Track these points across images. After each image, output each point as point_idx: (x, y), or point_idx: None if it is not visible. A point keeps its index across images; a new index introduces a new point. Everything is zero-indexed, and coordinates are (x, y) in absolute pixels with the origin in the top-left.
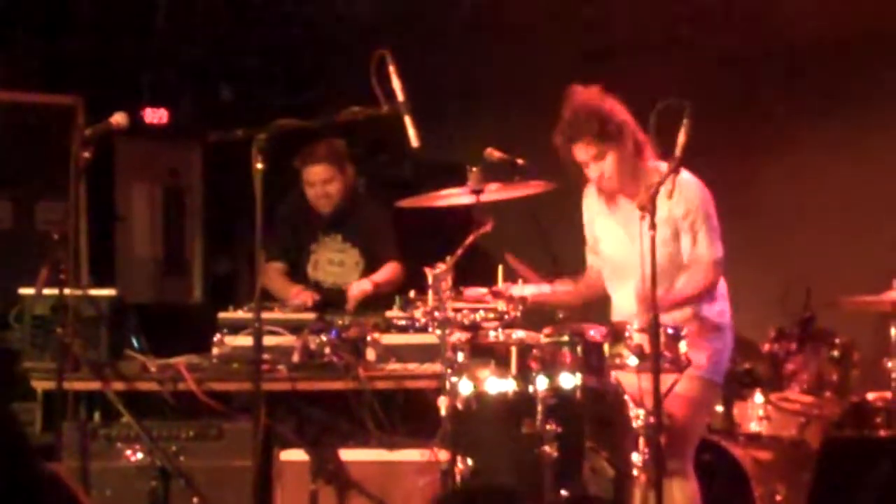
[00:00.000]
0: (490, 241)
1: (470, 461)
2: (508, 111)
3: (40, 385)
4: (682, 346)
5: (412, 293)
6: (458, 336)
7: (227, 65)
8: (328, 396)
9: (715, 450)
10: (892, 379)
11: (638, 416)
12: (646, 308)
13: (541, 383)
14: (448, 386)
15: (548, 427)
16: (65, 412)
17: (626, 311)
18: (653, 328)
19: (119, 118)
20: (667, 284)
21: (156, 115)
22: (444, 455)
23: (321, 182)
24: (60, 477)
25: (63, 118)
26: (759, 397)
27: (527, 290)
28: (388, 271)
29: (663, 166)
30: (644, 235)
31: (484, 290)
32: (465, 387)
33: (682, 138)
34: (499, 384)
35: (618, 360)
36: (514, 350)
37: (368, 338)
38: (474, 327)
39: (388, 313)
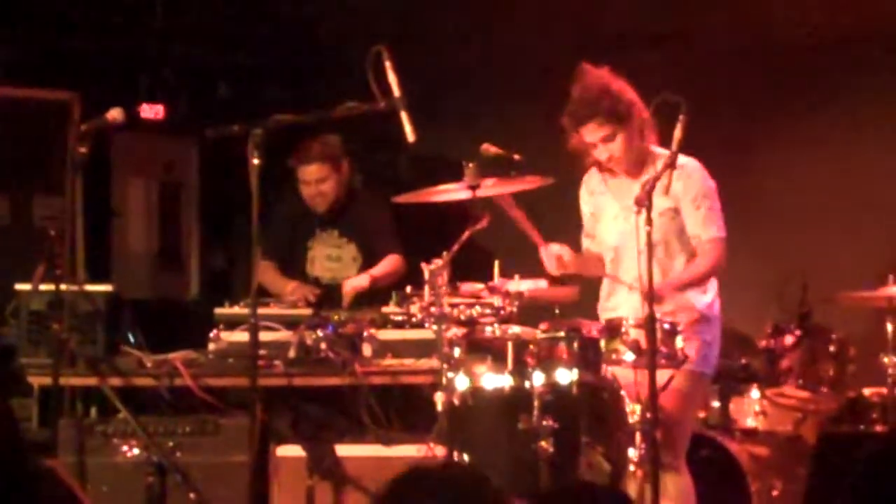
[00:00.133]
0: (486, 237)
1: (466, 456)
2: (505, 106)
3: (37, 381)
4: (679, 342)
5: (409, 289)
6: (455, 331)
7: (224, 61)
8: (324, 392)
9: (711, 445)
10: (888, 374)
11: (634, 412)
12: (651, 296)
13: (537, 379)
14: (444, 381)
15: (544, 422)
16: (61, 408)
17: (622, 302)
18: (649, 324)
19: (115, 114)
20: (675, 260)
21: (152, 111)
22: (440, 450)
23: (315, 181)
24: (57, 473)
25: (60, 114)
26: (755, 393)
27: (523, 285)
28: (388, 264)
29: (666, 153)
30: (640, 229)
31: (480, 286)
32: (461, 382)
33: (678, 134)
34: (495, 380)
35: (614, 356)
36: (510, 345)
37: (365, 333)
38: (471, 323)
39: (385, 309)
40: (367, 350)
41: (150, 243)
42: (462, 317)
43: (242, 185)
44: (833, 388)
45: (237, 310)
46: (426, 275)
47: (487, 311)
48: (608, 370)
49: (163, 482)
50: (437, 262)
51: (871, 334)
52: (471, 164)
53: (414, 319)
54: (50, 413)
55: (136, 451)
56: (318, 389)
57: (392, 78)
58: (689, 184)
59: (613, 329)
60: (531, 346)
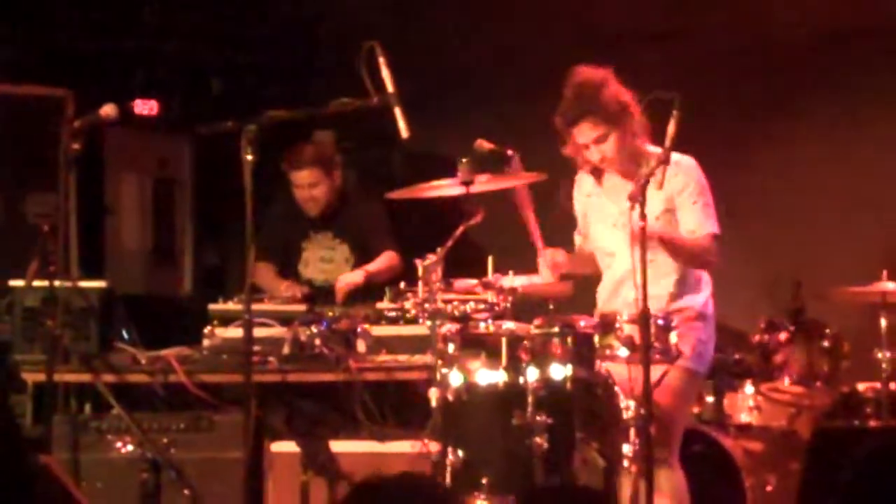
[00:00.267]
0: (480, 233)
1: (460, 452)
2: (499, 102)
3: (31, 377)
4: (673, 337)
5: (402, 285)
6: (449, 327)
7: (218, 57)
8: (319, 388)
9: (705, 441)
10: (882, 369)
11: (628, 408)
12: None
13: (531, 374)
14: (438, 377)
15: (538, 418)
16: (55, 404)
17: (609, 295)
18: (643, 319)
19: (108, 110)
20: (664, 266)
21: (146, 107)
22: (434, 446)
23: (307, 186)
24: (52, 469)
25: (53, 110)
26: (749, 388)
27: (517, 280)
28: (383, 260)
29: (659, 151)
30: (634, 222)
31: (474, 282)
32: (455, 378)
33: (671, 130)
34: (489, 375)
35: (608, 351)
36: (504, 341)
37: (359, 329)
38: (465, 318)
39: (379, 305)
40: (361, 346)
41: (143, 240)
42: (456, 312)
43: (236, 182)
44: (827, 384)
45: (231, 306)
46: (420, 271)
47: (481, 306)
48: (602, 366)
49: (157, 478)
50: (431, 258)
51: (864, 329)
52: (464, 160)
53: (408, 315)
54: (44, 409)
55: (130, 447)
56: (312, 385)
57: (385, 74)
58: (684, 180)
59: (607, 325)
60: (525, 342)
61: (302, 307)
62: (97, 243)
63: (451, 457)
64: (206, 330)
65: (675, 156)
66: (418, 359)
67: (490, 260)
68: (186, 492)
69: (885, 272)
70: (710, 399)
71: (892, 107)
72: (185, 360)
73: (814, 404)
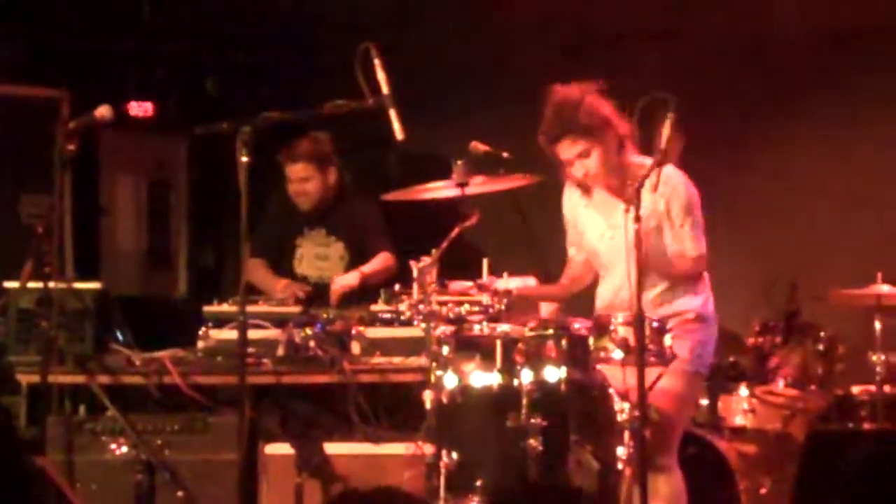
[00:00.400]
0: (475, 235)
1: (455, 454)
2: (495, 104)
3: (25, 378)
4: (667, 340)
5: (397, 287)
6: (443, 329)
7: (214, 58)
8: (313, 390)
9: (700, 443)
10: (876, 372)
11: (623, 410)
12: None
13: (526, 377)
14: (433, 379)
15: (532, 420)
16: (49, 406)
17: (618, 296)
18: (637, 322)
19: (104, 111)
20: (653, 277)
21: (141, 109)
22: (428, 448)
23: (299, 180)
24: (48, 472)
25: (48, 111)
26: (743, 391)
27: (511, 283)
28: (379, 262)
29: (647, 161)
30: (629, 228)
31: (469, 284)
32: (449, 380)
33: (666, 132)
34: (484, 378)
35: (602, 354)
36: (499, 343)
37: (353, 331)
38: (459, 321)
39: (373, 307)
40: (355, 348)
41: (138, 241)
42: (451, 315)
43: (231, 183)
44: (822, 386)
45: (226, 307)
46: (415, 272)
47: (476, 308)
48: (597, 368)
49: (151, 480)
50: (426, 260)
51: (859, 332)
52: (459, 162)
53: (402, 317)
54: (38, 411)
55: (124, 448)
56: (306, 387)
57: (380, 75)
58: (672, 198)
59: (602, 327)
60: (520, 344)
61: (296, 309)
62: (92, 244)
63: (445, 459)
64: (201, 331)
65: (666, 171)
66: (413, 361)
67: (485, 262)
68: (180, 493)
69: (879, 275)
70: (704, 402)
71: (891, 108)
72: (180, 361)
73: (808, 407)
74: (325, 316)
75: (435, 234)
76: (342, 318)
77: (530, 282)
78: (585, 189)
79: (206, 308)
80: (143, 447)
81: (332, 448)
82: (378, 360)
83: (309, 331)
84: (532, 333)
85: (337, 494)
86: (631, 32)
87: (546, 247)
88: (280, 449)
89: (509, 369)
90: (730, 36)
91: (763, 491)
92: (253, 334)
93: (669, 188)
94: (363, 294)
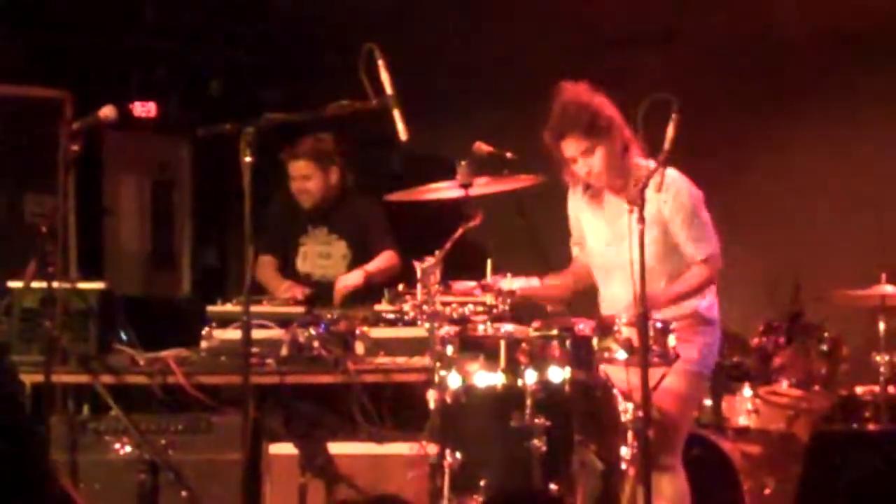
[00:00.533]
0: (479, 235)
1: (458, 455)
2: (498, 105)
3: (29, 378)
4: (671, 340)
5: (401, 287)
6: (447, 330)
7: (217, 58)
8: (317, 390)
9: (704, 443)
10: (880, 373)
11: (626, 410)
12: (638, 304)
13: (529, 377)
14: (437, 379)
15: (536, 421)
16: (53, 405)
17: (615, 306)
18: (641, 322)
19: (107, 111)
20: (655, 283)
21: (144, 109)
22: (432, 448)
23: (301, 177)
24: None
25: (51, 112)
26: (747, 391)
27: (515, 283)
28: (383, 260)
29: (650, 164)
30: (633, 231)
31: (473, 284)
32: (453, 380)
33: (670, 133)
34: (488, 378)
35: (606, 354)
36: (502, 344)
37: (357, 331)
38: (463, 321)
39: (377, 307)
40: (359, 348)
41: (142, 241)
42: (454, 315)
43: (235, 184)
44: (825, 387)
45: (230, 307)
46: (419, 273)
47: (480, 309)
48: (601, 368)
49: (155, 480)
50: (430, 260)
51: (863, 333)
52: (463, 163)
53: (406, 317)
54: (42, 410)
55: (128, 448)
56: (310, 387)
57: (384, 76)
58: (675, 202)
59: (606, 327)
60: (524, 345)
61: (300, 309)
62: (96, 245)
63: (449, 459)
64: (205, 331)
65: (671, 174)
66: (416, 361)
67: (489, 262)
68: (184, 493)
69: (883, 275)
70: (708, 402)
71: (893, 107)
72: (184, 361)
73: (812, 407)
74: (328, 316)
75: (439, 234)
76: (346, 318)
77: (534, 282)
78: (593, 194)
79: (210, 308)
80: (147, 447)
81: (335, 448)
82: (382, 360)
83: (313, 331)
84: (536, 334)
85: (339, 502)
86: (632, 33)
87: (549, 247)
88: (284, 449)
89: (513, 369)
90: (731, 37)
91: (767, 491)
92: (257, 334)
93: (672, 193)
94: (367, 293)
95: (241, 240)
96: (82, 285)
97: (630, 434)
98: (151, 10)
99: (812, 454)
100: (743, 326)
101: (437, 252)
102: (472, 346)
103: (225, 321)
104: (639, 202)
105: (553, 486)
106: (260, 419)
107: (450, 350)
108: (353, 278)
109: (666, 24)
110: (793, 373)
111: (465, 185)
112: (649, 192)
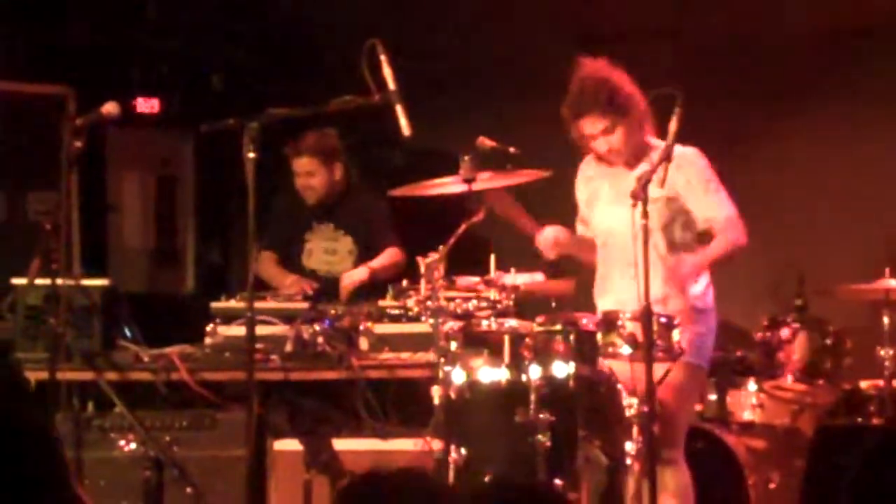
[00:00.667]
0: (482, 230)
1: (463, 450)
2: (501, 99)
3: (33, 375)
4: (675, 335)
5: (405, 282)
6: (451, 325)
7: (220, 54)
8: (321, 386)
9: (708, 438)
10: (884, 367)
11: (631, 405)
12: (674, 284)
13: (534, 372)
14: (441, 375)
15: (541, 416)
16: (58, 402)
17: (617, 291)
18: (645, 317)
19: (110, 108)
20: (669, 251)
21: (147, 105)
22: (437, 444)
23: (305, 174)
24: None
25: (54, 108)
26: (752, 385)
27: (519, 278)
28: (388, 256)
29: (662, 144)
30: (636, 220)
31: (477, 279)
32: (458, 376)
33: (673, 126)
34: (492, 373)
35: (611, 349)
36: (506, 339)
37: (361, 327)
38: (467, 316)
39: (381, 303)
40: (363, 344)
41: (145, 237)
42: (458, 310)
43: (238, 180)
44: (830, 381)
45: (234, 304)
46: (422, 268)
47: (484, 304)
48: (605, 363)
49: (160, 476)
50: (434, 256)
51: (867, 327)
52: (466, 158)
53: (410, 313)
54: (46, 407)
55: (133, 445)
56: (314, 383)
57: (387, 71)
58: (692, 171)
59: (610, 322)
60: (528, 340)
61: (304, 305)
62: (99, 241)
63: (453, 454)
64: (209, 328)
65: (677, 149)
66: (421, 356)
67: (492, 257)
68: (189, 490)
69: (888, 269)
70: (712, 397)
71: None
72: (188, 357)
73: (816, 402)
74: (333, 312)
75: (442, 229)
76: (350, 314)
77: (538, 277)
78: (604, 162)
79: (214, 304)
80: (152, 444)
81: (340, 444)
82: (386, 355)
83: (317, 327)
84: (540, 329)
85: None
86: (634, 30)
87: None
88: (288, 445)
89: (517, 365)
90: (733, 32)
91: (772, 486)
92: (261, 330)
93: (686, 163)
94: (372, 289)
95: (244, 236)
96: (86, 282)
97: (634, 429)
98: (154, 7)
99: (816, 448)
100: (747, 320)
101: (440, 247)
102: (477, 341)
103: (229, 317)
104: (642, 196)
105: (557, 482)
106: (264, 415)
107: (454, 346)
108: (359, 274)
109: (668, 20)
110: (797, 367)
111: (469, 180)
112: (651, 186)
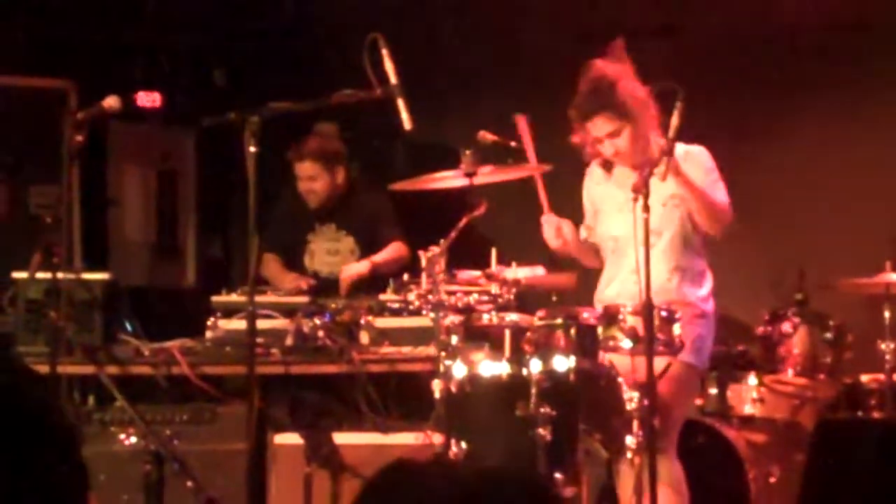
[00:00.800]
0: (483, 224)
1: (464, 444)
2: (502, 94)
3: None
4: (676, 329)
5: (406, 276)
6: (452, 319)
7: (221, 49)
8: (322, 380)
9: (709, 432)
10: (885, 361)
11: (631, 399)
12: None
13: (535, 366)
14: (442, 369)
15: (542, 410)
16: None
17: (622, 290)
18: (646, 311)
19: (112, 101)
20: (671, 251)
21: (149, 99)
22: (437, 438)
23: (307, 178)
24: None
25: (56, 102)
26: (752, 379)
27: (520, 272)
28: (391, 251)
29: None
30: (637, 216)
31: (478, 273)
32: (458, 370)
33: (675, 122)
34: (493, 367)
35: (611, 343)
36: (507, 333)
37: (362, 321)
38: (468, 310)
39: (382, 296)
40: (364, 338)
41: (146, 232)
42: (459, 304)
43: (239, 174)
44: (830, 375)
45: (234, 298)
46: (423, 262)
47: (485, 298)
48: (605, 357)
49: (160, 470)
50: (435, 250)
51: (868, 321)
52: (468, 152)
53: (411, 307)
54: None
55: (133, 439)
56: (315, 377)
57: (388, 65)
58: (697, 162)
59: (611, 316)
60: (528, 334)
61: (305, 299)
62: (100, 235)
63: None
64: (210, 322)
65: (683, 146)
66: (421, 350)
67: (493, 251)
68: (190, 484)
69: (888, 263)
70: (713, 391)
71: None
72: (189, 351)
73: (817, 396)
74: (333, 306)
75: (443, 223)
76: (351, 308)
77: (539, 271)
78: (607, 167)
79: (215, 298)
80: (152, 437)
81: (341, 438)
82: (387, 349)
83: (317, 320)
84: (541, 323)
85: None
86: (636, 24)
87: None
88: (289, 439)
89: (518, 359)
90: (734, 28)
91: (772, 479)
92: (262, 324)
93: (692, 157)
94: (374, 283)
95: (245, 230)
96: (87, 276)
97: (635, 423)
98: (155, 1)
99: (817, 443)
100: (748, 315)
101: (441, 241)
102: (477, 335)
103: (230, 311)
104: (643, 191)
105: (558, 475)
106: (265, 409)
107: (455, 339)
108: (358, 267)
109: (667, 18)
110: (798, 361)
111: (470, 175)
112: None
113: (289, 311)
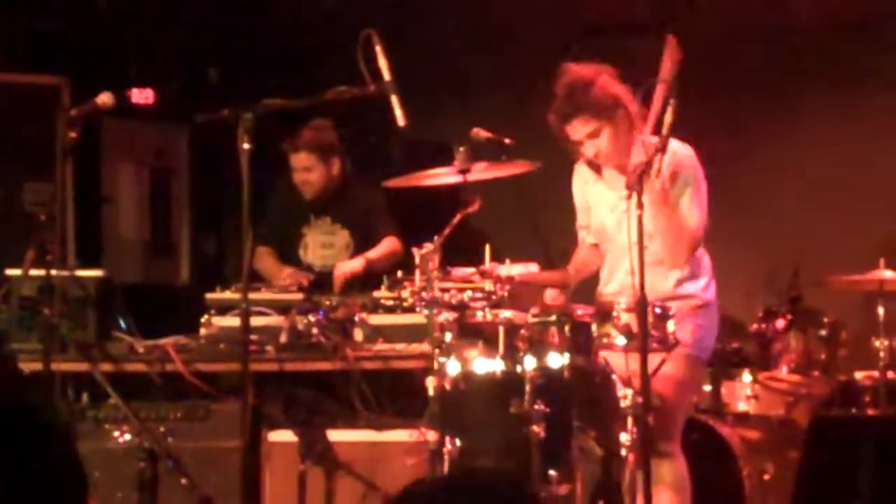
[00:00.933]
0: (477, 221)
1: (458, 441)
2: (496, 90)
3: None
4: (670, 326)
5: (399, 273)
6: (446, 316)
7: (215, 46)
8: (316, 377)
9: (703, 429)
10: (879, 358)
11: (626, 396)
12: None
13: (529, 363)
14: (436, 366)
15: (536, 407)
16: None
17: (622, 288)
18: (640, 308)
19: (105, 98)
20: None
21: (143, 96)
22: (431, 435)
23: (302, 169)
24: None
25: (49, 99)
26: (747, 377)
27: (514, 269)
28: (385, 247)
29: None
30: (631, 213)
31: (471, 270)
32: (452, 367)
33: (668, 118)
34: (487, 364)
35: (606, 340)
36: (501, 330)
37: (356, 318)
38: (462, 307)
39: (376, 293)
40: (358, 335)
41: (140, 229)
42: (453, 301)
43: (233, 171)
44: (825, 372)
45: (228, 295)
46: (417, 259)
47: (479, 295)
48: (600, 354)
49: (154, 468)
50: (429, 247)
51: (862, 318)
52: (462, 148)
53: (405, 304)
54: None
55: (127, 436)
56: (309, 374)
57: (382, 62)
58: (677, 169)
59: (605, 313)
60: (523, 331)
61: (299, 296)
62: (94, 232)
63: (448, 445)
64: (204, 319)
65: (673, 144)
66: (415, 347)
67: (487, 248)
68: (184, 481)
69: (882, 260)
70: (707, 388)
71: (891, 96)
72: (183, 348)
73: (811, 393)
74: (327, 303)
75: (437, 220)
76: (345, 305)
77: (533, 268)
78: (596, 168)
79: (209, 295)
80: (146, 435)
81: (335, 435)
82: (381, 346)
83: (311, 317)
84: (535, 320)
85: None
86: (631, 18)
87: (548, 233)
88: (283, 436)
89: (512, 356)
90: (730, 27)
91: (766, 477)
92: (256, 321)
93: (677, 159)
94: (368, 280)
95: (239, 227)
96: (81, 273)
97: (630, 420)
98: None
99: (811, 440)
100: (742, 312)
101: (435, 238)
102: (471, 332)
103: (224, 308)
104: (637, 188)
105: (552, 472)
106: (259, 406)
107: (448, 336)
108: (353, 264)
109: (665, 11)
110: (792, 358)
111: (464, 171)
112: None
113: (283, 308)
